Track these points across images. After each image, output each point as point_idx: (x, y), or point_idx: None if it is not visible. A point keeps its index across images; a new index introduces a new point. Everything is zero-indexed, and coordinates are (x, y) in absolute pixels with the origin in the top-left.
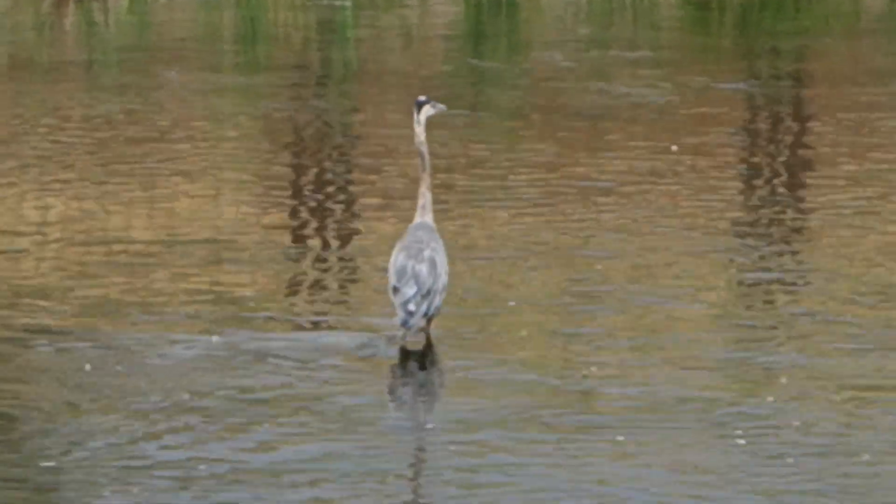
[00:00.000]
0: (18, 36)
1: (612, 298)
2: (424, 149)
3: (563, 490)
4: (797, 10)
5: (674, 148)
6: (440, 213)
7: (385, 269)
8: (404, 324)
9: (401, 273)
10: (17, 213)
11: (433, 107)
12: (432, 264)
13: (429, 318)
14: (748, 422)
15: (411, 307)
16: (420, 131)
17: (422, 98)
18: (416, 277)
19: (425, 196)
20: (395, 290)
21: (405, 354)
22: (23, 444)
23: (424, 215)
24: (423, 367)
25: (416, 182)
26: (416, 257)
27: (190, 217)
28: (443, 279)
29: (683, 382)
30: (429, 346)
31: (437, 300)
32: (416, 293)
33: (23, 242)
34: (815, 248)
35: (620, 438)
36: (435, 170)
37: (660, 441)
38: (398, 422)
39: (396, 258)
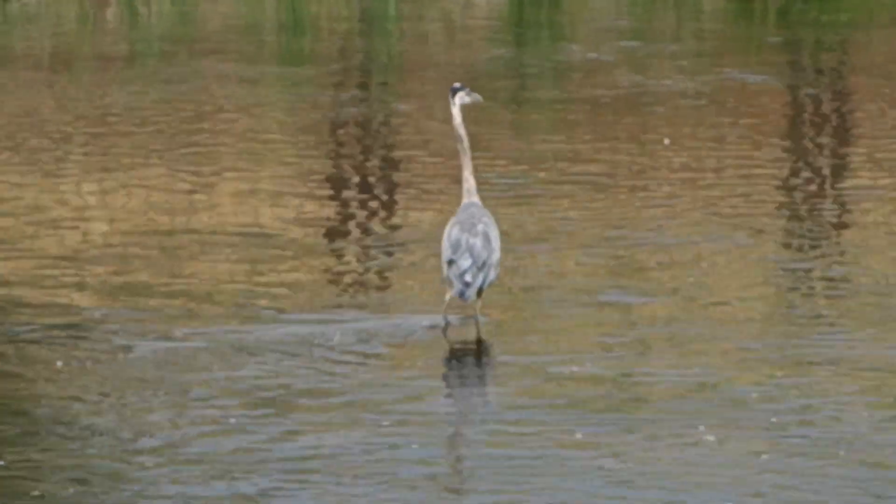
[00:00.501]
0: (61, 28)
1: (655, 289)
2: (463, 132)
3: (601, 481)
4: (840, 2)
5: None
6: (483, 200)
7: (426, 256)
8: (461, 295)
9: (455, 246)
10: (60, 202)
11: (468, 94)
12: (486, 238)
13: (481, 291)
14: (789, 416)
15: (468, 278)
16: (457, 114)
17: (457, 85)
18: (471, 250)
19: (468, 180)
20: (451, 262)
21: (448, 342)
22: (64, 436)
23: (471, 197)
24: (465, 356)
25: (457, 171)
26: (469, 231)
27: (231, 208)
28: (496, 254)
29: (722, 374)
30: (476, 328)
31: (492, 274)
32: (472, 265)
33: (65, 231)
34: (857, 241)
35: (661, 430)
36: (476, 162)
37: (699, 433)
38: (435, 410)
39: (451, 232)
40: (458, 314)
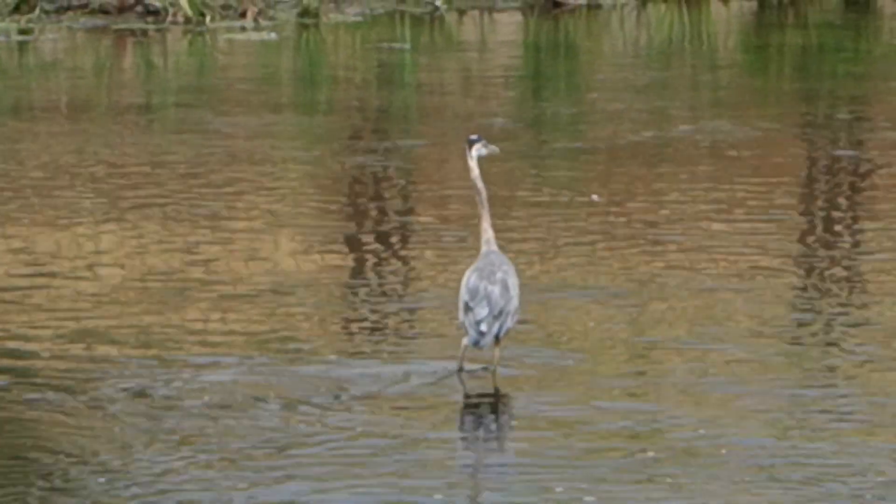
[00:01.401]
0: (78, 77)
1: (675, 343)
2: (480, 184)
3: None
4: (856, 53)
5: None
6: (502, 250)
7: (446, 304)
8: (475, 343)
9: (473, 293)
10: (75, 249)
11: (485, 146)
12: (504, 286)
13: (498, 338)
14: (808, 463)
15: (483, 327)
16: (474, 166)
17: (473, 137)
18: (489, 298)
19: (487, 231)
20: (468, 308)
21: (462, 389)
22: (77, 484)
23: (490, 247)
24: (485, 405)
25: (475, 220)
26: (488, 278)
27: (248, 257)
28: (514, 302)
29: (740, 427)
30: (493, 377)
31: (509, 321)
32: (489, 314)
33: (81, 278)
34: (876, 288)
35: (685, 480)
36: (495, 209)
37: (718, 487)
38: (457, 457)
39: (469, 279)
40: (476, 363)
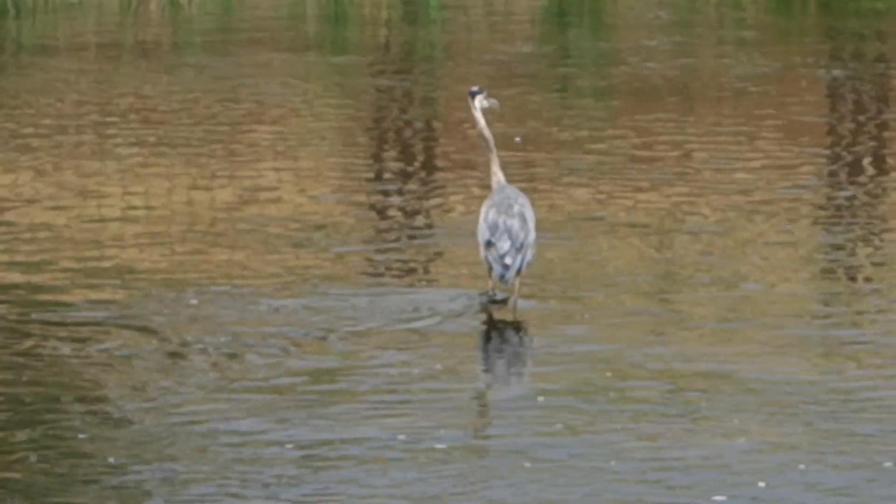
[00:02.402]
0: (104, 18)
1: (696, 277)
2: (487, 132)
3: (636, 467)
4: None
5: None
6: (524, 187)
7: (471, 234)
8: (501, 277)
9: (493, 228)
10: (104, 191)
11: (486, 98)
12: (522, 219)
13: (519, 271)
14: (828, 399)
15: (508, 260)
16: (479, 117)
17: (475, 88)
18: (509, 231)
19: (497, 174)
20: (489, 244)
21: (489, 324)
22: (114, 429)
23: (502, 185)
24: (506, 339)
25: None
26: (506, 213)
27: (273, 196)
28: (532, 234)
29: (765, 363)
30: (514, 308)
31: (529, 254)
32: (511, 247)
33: (110, 219)
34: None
35: (699, 416)
36: (520, 148)
37: (740, 420)
38: (472, 393)
39: (487, 214)
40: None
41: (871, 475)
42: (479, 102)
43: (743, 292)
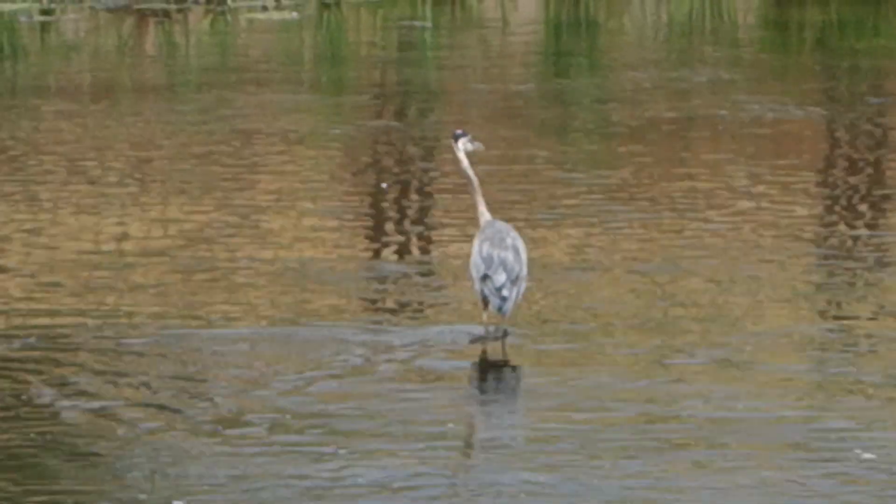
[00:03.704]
0: (100, 58)
1: (692, 315)
2: (471, 173)
3: None
4: (876, 30)
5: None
6: (520, 226)
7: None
8: (499, 309)
9: (488, 261)
10: (97, 232)
11: (470, 141)
12: (516, 251)
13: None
14: (829, 442)
15: (505, 293)
16: (462, 157)
17: (458, 132)
18: (504, 264)
19: (484, 215)
20: (485, 278)
21: (484, 365)
22: (102, 458)
23: (489, 220)
24: (502, 379)
25: (487, 203)
26: (500, 246)
27: (271, 235)
28: (525, 267)
29: (763, 402)
30: (504, 339)
31: (522, 287)
32: (507, 279)
33: (105, 260)
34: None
35: (700, 457)
36: (515, 186)
37: (741, 459)
38: (468, 434)
39: (481, 248)
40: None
41: None
42: (464, 145)
43: (740, 331)
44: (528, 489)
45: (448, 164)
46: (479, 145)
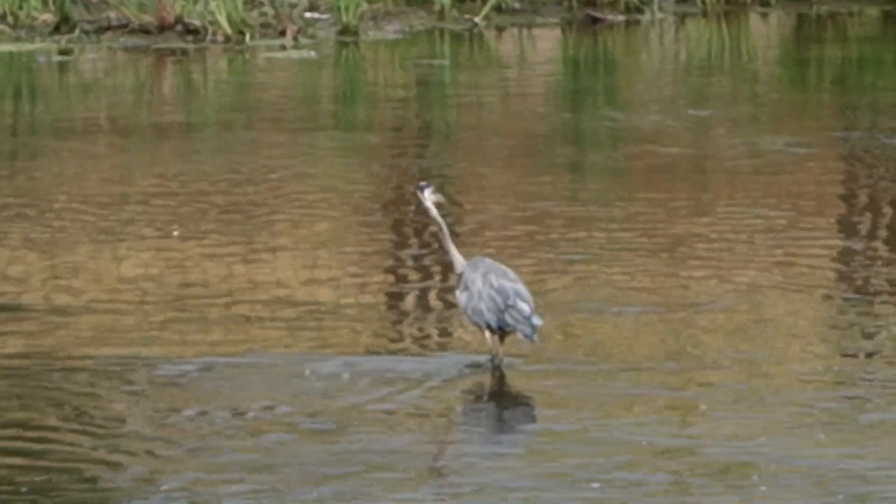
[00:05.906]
0: (118, 97)
1: (712, 355)
2: (439, 220)
3: None
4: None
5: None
6: (537, 265)
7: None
8: (528, 336)
9: (502, 292)
10: (117, 272)
11: (433, 192)
12: (521, 282)
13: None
14: (851, 482)
15: (536, 321)
16: (430, 206)
17: (422, 183)
18: (519, 294)
19: (458, 258)
20: (508, 307)
21: (496, 396)
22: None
23: (468, 260)
24: (515, 417)
25: (515, 240)
26: (505, 277)
27: (288, 277)
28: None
29: (786, 442)
30: (500, 367)
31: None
32: (530, 306)
33: (122, 300)
34: None
35: (720, 496)
36: (531, 224)
37: (761, 498)
38: (478, 476)
39: (486, 282)
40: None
41: None
42: (428, 195)
43: (761, 370)
44: None
45: (469, 202)
46: (440, 197)
